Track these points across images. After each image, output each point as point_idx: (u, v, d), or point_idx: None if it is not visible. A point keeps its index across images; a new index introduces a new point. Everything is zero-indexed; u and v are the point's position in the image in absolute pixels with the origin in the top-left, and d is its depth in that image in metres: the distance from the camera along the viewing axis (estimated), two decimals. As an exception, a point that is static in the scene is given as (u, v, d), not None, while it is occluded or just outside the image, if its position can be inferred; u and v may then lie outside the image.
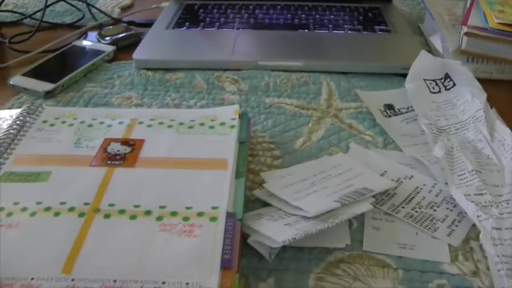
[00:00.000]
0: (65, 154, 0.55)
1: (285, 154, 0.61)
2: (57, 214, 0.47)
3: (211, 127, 0.58)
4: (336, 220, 0.47)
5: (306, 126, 0.66)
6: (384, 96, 0.72)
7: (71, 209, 0.48)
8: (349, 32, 0.88)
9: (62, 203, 0.48)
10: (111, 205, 0.48)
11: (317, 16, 0.93)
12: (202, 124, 0.59)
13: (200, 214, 0.47)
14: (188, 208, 0.47)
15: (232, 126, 0.58)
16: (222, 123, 0.59)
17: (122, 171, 0.52)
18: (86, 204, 0.48)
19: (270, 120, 0.67)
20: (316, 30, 0.88)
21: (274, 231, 0.46)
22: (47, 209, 0.48)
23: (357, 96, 0.72)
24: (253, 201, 0.53)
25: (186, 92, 0.74)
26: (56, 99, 0.73)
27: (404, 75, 0.72)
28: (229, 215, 0.46)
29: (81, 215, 0.47)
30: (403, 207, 0.52)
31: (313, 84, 0.75)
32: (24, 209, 0.48)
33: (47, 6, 0.93)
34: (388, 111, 0.69)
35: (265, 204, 0.53)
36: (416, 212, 0.52)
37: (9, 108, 0.71)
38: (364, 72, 0.78)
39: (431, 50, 0.85)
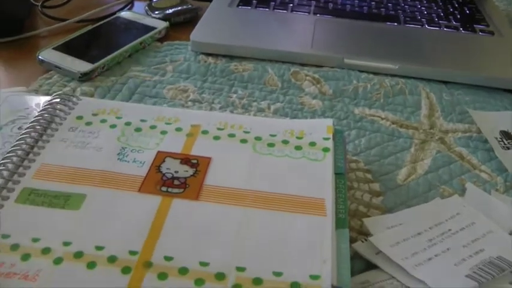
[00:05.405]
0: (105, 170, 0.41)
1: (386, 189, 0.47)
2: (91, 266, 0.34)
3: (298, 147, 0.44)
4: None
5: (408, 151, 0.52)
6: (499, 120, 0.57)
7: (111, 259, 0.34)
8: (445, 29, 0.73)
9: (98, 248, 0.35)
10: (168, 259, 0.34)
11: (406, 7, 0.79)
12: (285, 142, 0.45)
13: (295, 286, 0.33)
14: (277, 274, 0.34)
15: (326, 150, 0.44)
16: (312, 144, 0.44)
17: (182, 205, 0.38)
18: (132, 253, 0.34)
19: (363, 139, 0.53)
20: (407, 25, 0.73)
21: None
22: (78, 254, 0.34)
23: (464, 115, 0.58)
24: (352, 256, 0.39)
25: (255, 90, 0.59)
26: (93, 84, 0.59)
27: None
28: (336, 292, 0.33)
29: (125, 270, 0.33)
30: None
31: (409, 94, 0.60)
32: (46, 251, 0.35)
33: (89, -34, 0.79)
34: (505, 141, 0.54)
35: (369, 264, 0.39)
36: None
37: (36, 90, 0.57)
38: (467, 84, 0.63)
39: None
